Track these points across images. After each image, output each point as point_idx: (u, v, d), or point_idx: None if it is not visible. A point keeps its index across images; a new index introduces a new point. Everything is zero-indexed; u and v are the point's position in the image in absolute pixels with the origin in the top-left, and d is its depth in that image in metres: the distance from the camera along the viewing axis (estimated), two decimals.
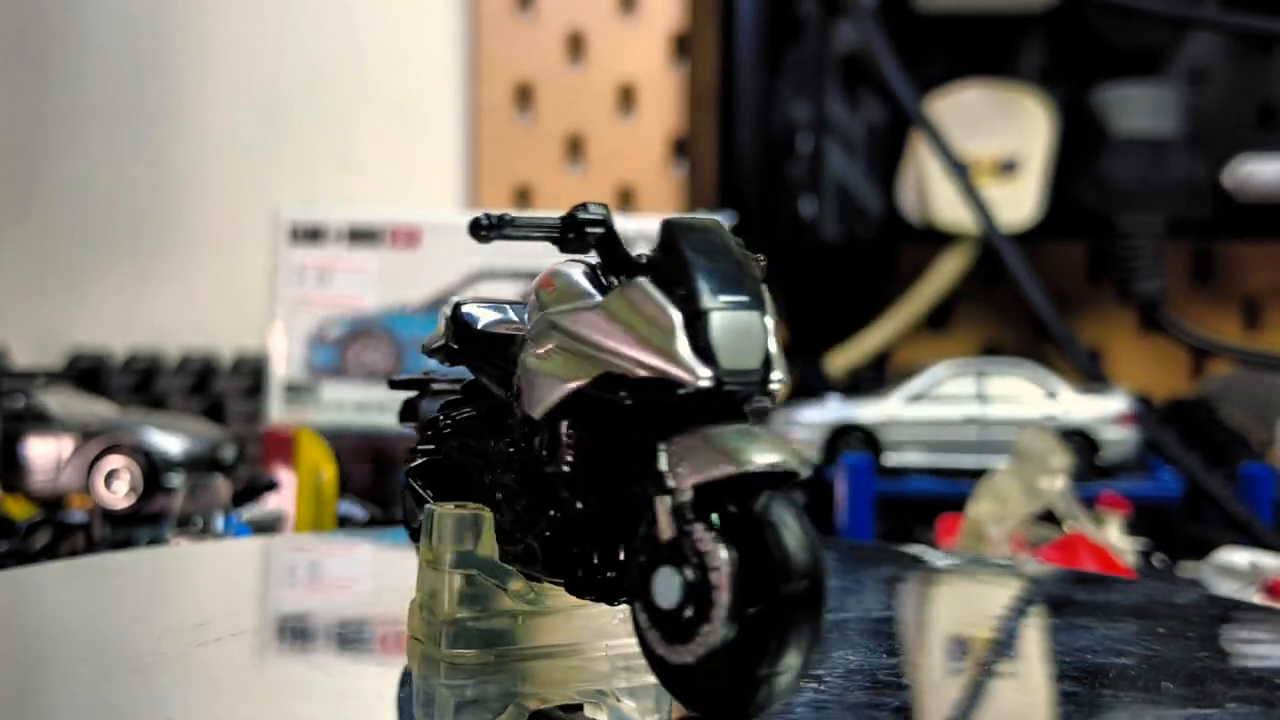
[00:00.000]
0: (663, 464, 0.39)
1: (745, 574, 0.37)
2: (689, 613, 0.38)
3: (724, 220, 0.44)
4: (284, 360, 1.09)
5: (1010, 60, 1.37)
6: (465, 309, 0.50)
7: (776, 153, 1.36)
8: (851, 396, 1.13)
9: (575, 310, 0.42)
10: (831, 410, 1.10)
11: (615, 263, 0.43)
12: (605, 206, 0.43)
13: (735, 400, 0.40)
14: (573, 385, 0.42)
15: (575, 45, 1.52)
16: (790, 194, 1.34)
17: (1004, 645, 0.55)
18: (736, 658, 0.37)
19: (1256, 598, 0.81)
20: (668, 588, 0.38)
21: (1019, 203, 1.30)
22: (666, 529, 0.39)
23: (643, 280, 0.41)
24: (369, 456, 1.10)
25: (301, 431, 0.88)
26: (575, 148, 1.52)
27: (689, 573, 0.38)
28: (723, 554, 0.37)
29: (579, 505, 0.43)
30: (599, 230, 0.42)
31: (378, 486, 1.08)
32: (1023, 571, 0.73)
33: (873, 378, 1.32)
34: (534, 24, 1.51)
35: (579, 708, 0.44)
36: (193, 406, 1.28)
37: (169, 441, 1.00)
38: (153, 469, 0.98)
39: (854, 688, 0.45)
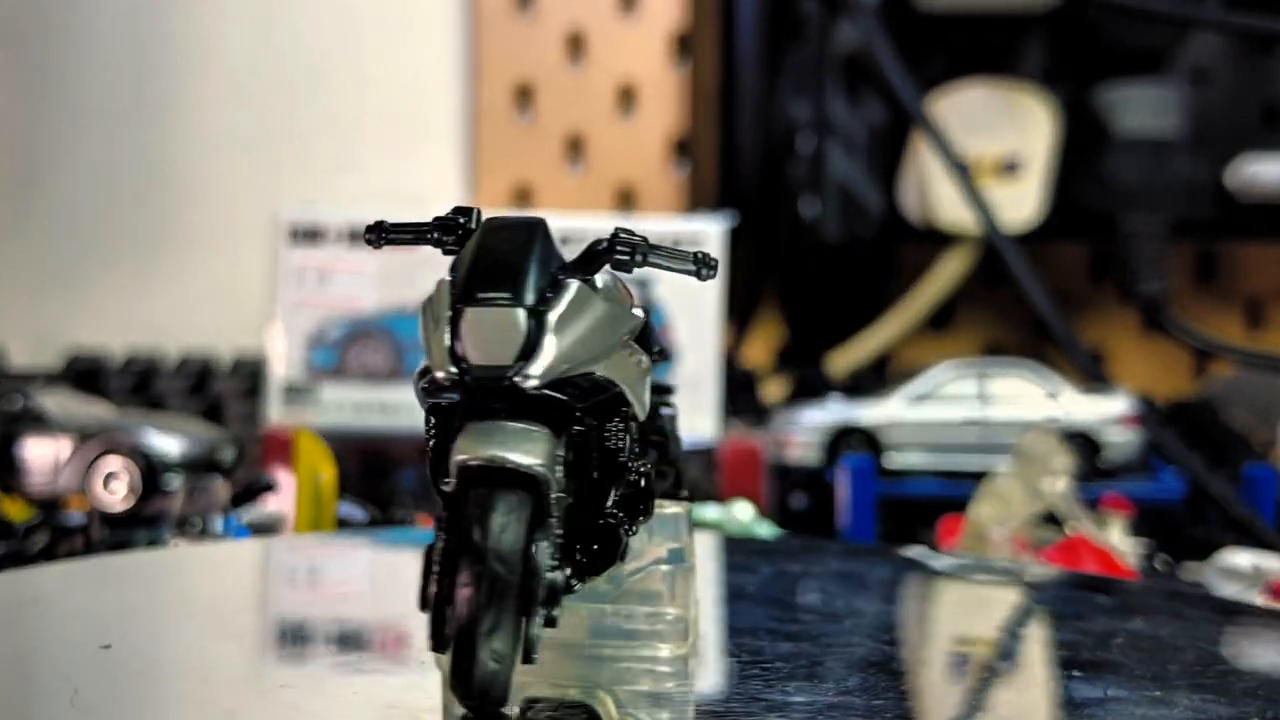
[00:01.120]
0: None
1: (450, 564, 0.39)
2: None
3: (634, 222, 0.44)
4: (283, 361, 1.09)
5: (1012, 60, 1.37)
6: None
7: (777, 153, 1.36)
8: (853, 398, 1.13)
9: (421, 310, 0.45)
10: (832, 411, 1.10)
11: None
12: (475, 210, 0.44)
13: (516, 394, 0.41)
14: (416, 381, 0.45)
15: (575, 45, 1.52)
16: (791, 194, 1.34)
17: (1005, 648, 0.55)
18: (448, 643, 0.39)
19: (1259, 599, 0.81)
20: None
21: (1021, 203, 1.30)
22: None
23: (444, 278, 0.42)
24: (369, 458, 1.09)
25: (301, 433, 0.88)
26: (575, 148, 1.52)
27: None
28: (436, 544, 0.40)
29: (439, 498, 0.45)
30: (459, 233, 0.44)
31: (377, 488, 1.08)
32: (1025, 574, 0.72)
33: (874, 379, 1.32)
34: (534, 24, 1.51)
35: (584, 708, 0.43)
36: (191, 408, 1.28)
37: (167, 443, 0.99)
38: (151, 471, 0.97)
39: (855, 691, 0.45)
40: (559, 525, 0.41)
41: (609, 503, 0.44)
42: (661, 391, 0.57)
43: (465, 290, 0.41)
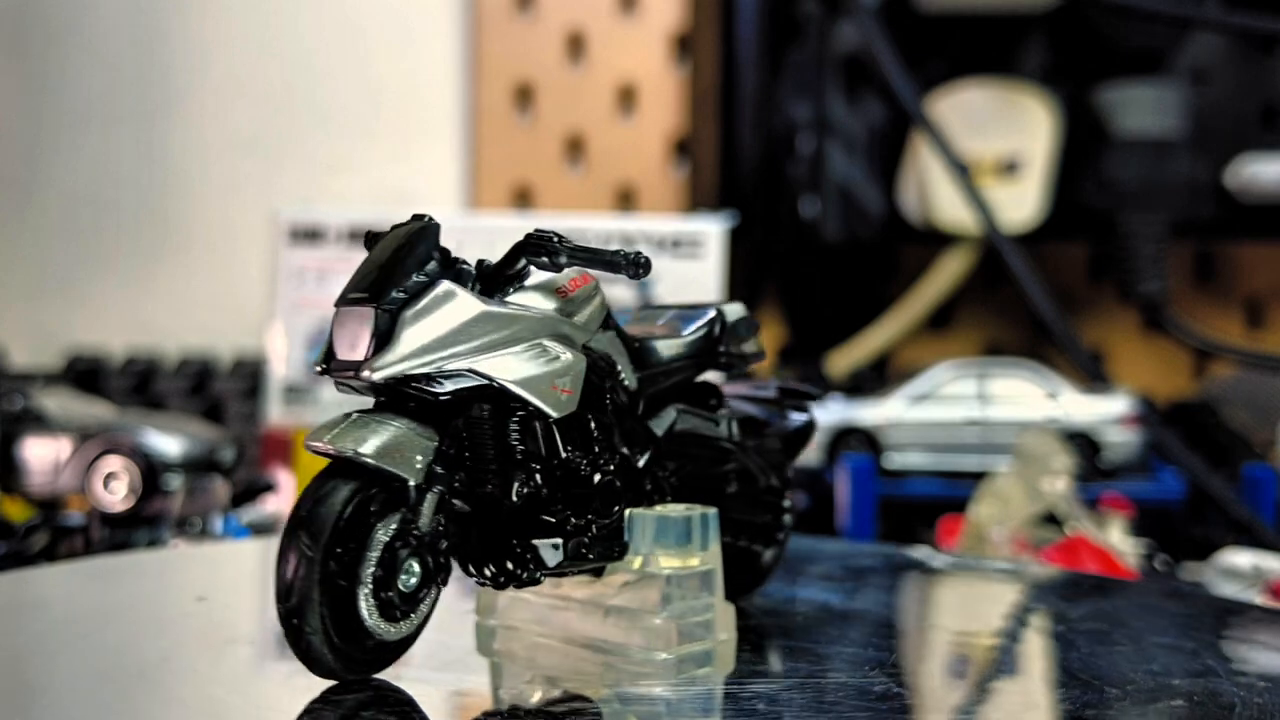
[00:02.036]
0: None
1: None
2: None
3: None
4: (283, 361, 1.09)
5: (1012, 60, 1.37)
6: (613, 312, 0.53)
7: (777, 153, 1.36)
8: (853, 398, 1.13)
9: None
10: (833, 412, 1.10)
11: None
12: (427, 216, 0.46)
13: (380, 389, 0.43)
14: None
15: (575, 45, 1.52)
16: (791, 194, 1.34)
17: (1005, 649, 0.55)
18: None
19: (1259, 599, 0.81)
20: None
21: (1021, 203, 1.30)
22: None
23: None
24: None
25: (301, 433, 0.88)
26: (575, 148, 1.52)
27: None
28: None
29: None
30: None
31: None
32: (1025, 574, 0.72)
33: (874, 379, 1.32)
34: (534, 24, 1.51)
35: (585, 705, 0.43)
36: (191, 408, 1.28)
37: (167, 443, 0.99)
38: (151, 471, 0.97)
39: (854, 691, 0.44)
40: (417, 514, 0.43)
41: (512, 497, 0.45)
42: (796, 397, 0.58)
43: (341, 292, 0.44)
